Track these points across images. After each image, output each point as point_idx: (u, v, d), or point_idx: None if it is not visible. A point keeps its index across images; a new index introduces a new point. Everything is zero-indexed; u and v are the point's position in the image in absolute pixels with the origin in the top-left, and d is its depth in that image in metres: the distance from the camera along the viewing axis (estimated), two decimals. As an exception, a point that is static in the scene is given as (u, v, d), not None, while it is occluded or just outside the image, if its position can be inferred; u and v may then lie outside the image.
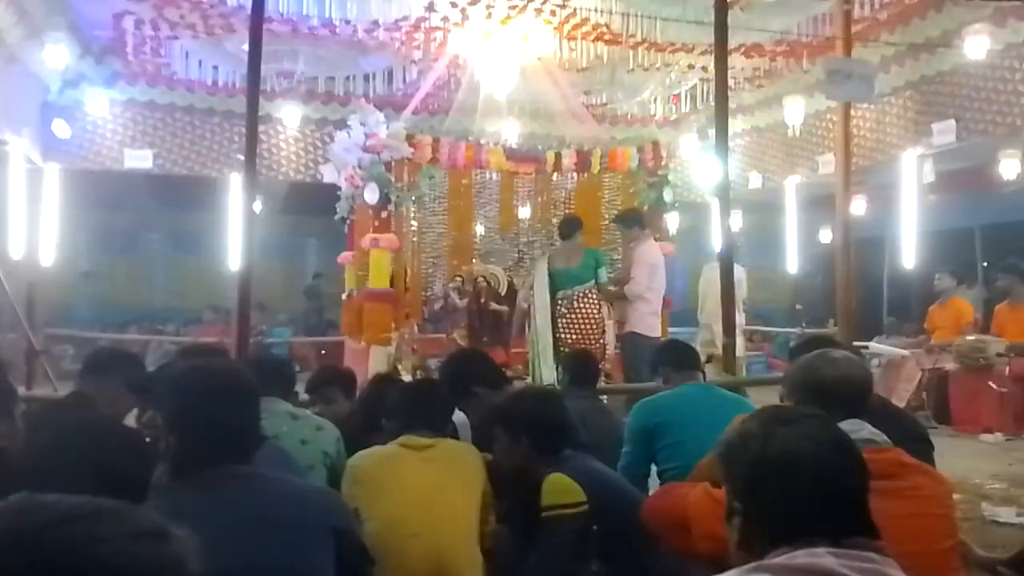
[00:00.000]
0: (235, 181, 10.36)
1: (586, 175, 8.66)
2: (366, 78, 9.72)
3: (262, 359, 4.68)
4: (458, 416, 3.76)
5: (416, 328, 8.44)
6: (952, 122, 8.72)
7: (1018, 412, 7.41)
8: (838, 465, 1.58)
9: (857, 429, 2.18)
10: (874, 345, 9.48)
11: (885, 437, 2.25)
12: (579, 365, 4.79)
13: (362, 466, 3.01)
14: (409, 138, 7.59)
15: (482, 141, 8.39)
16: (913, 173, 9.70)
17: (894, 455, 2.23)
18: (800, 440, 1.60)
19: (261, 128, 8.75)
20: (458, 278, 8.94)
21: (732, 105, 10.69)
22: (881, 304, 13.64)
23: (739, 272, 9.92)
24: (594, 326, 7.13)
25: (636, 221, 7.60)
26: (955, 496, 4.77)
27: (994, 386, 7.34)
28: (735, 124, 11.34)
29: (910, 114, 9.36)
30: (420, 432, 3.07)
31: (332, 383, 4.30)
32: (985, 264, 12.01)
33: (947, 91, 8.84)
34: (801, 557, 1.47)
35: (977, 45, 7.44)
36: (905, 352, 8.70)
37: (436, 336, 8.77)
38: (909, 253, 10.03)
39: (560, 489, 2.97)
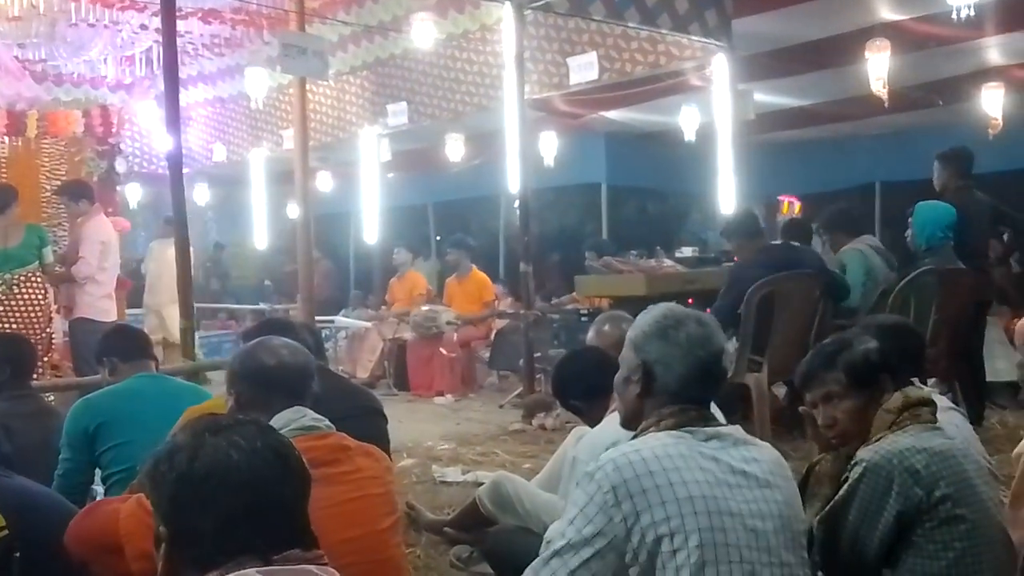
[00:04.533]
0: None
1: (20, 139, 7.68)
2: None
3: None
4: None
5: None
6: (404, 104, 9.27)
7: (465, 375, 8.17)
8: (271, 475, 1.44)
9: (299, 416, 2.18)
10: (340, 319, 9.84)
11: (328, 422, 2.24)
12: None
13: None
14: None
15: None
16: (372, 151, 10.16)
17: (335, 440, 2.23)
18: (230, 450, 1.44)
19: None
20: None
21: (192, 72, 10.27)
22: (348, 278, 14.20)
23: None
24: (39, 313, 6.56)
25: (84, 194, 7.07)
26: (409, 460, 5.08)
27: (444, 352, 7.98)
28: (196, 93, 10.87)
29: (367, 94, 9.75)
30: None
31: None
32: (438, 238, 13.08)
33: (400, 74, 9.36)
34: (228, 582, 1.31)
35: (423, 32, 7.92)
36: (368, 324, 9.13)
37: None
38: (371, 228, 10.53)
39: (-30, 516, 2.49)
